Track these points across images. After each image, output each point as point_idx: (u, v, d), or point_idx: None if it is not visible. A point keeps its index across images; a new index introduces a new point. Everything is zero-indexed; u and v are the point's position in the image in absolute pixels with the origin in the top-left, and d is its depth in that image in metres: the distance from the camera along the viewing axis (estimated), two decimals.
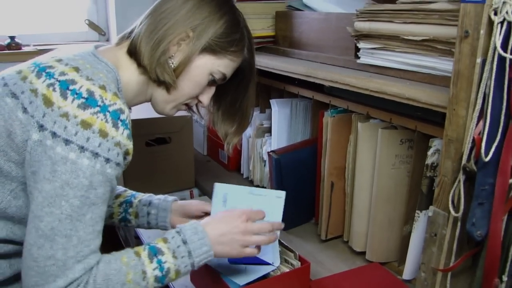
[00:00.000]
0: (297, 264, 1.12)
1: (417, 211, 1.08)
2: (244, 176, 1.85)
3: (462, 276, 0.84)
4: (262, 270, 1.09)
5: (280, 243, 1.17)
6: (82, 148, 0.80)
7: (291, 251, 1.15)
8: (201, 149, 2.14)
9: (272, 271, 1.10)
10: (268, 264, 1.12)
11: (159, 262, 0.89)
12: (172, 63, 0.96)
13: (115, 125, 0.84)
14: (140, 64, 0.97)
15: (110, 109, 0.84)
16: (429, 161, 1.02)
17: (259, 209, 1.04)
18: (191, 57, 0.97)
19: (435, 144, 1.01)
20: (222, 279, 1.06)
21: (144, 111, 1.42)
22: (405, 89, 0.96)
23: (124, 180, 1.69)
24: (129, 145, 0.87)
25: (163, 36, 0.95)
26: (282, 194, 1.11)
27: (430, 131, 1.05)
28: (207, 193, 1.77)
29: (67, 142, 0.80)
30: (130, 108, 1.02)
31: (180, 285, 1.20)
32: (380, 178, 1.18)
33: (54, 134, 0.80)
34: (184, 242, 0.92)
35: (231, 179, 1.85)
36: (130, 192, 1.22)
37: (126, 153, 0.88)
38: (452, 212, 0.78)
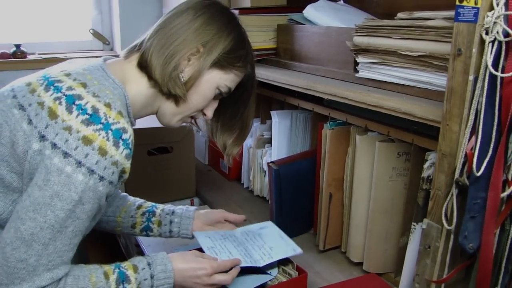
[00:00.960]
0: (294, 274, 1.13)
1: (413, 223, 1.09)
2: (245, 186, 1.87)
3: None
4: (260, 280, 1.11)
5: None
6: (79, 163, 0.82)
7: (289, 261, 1.17)
8: (202, 158, 2.16)
9: (270, 280, 1.12)
10: (266, 273, 1.13)
11: None
12: (183, 77, 0.99)
13: (116, 144, 0.86)
14: (150, 77, 0.99)
15: (113, 127, 0.86)
16: (425, 174, 1.04)
17: (230, 260, 1.07)
18: (202, 71, 1.00)
19: (431, 157, 1.03)
20: None
21: (146, 121, 1.44)
22: (402, 103, 0.99)
23: (125, 189, 1.71)
24: (126, 164, 0.89)
25: (175, 51, 0.98)
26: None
27: (426, 144, 1.07)
28: (207, 203, 1.79)
29: (66, 155, 0.82)
30: (135, 120, 1.04)
31: None
32: (377, 190, 1.20)
33: (54, 145, 0.82)
34: (151, 277, 0.96)
35: (231, 188, 1.87)
36: (150, 203, 1.26)
37: (122, 172, 0.90)
38: (445, 225, 0.80)
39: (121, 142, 0.86)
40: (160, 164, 1.76)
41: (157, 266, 0.97)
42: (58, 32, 2.33)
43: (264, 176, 1.70)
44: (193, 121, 1.17)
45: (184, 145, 1.82)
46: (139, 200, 1.26)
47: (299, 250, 1.16)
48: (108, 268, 0.93)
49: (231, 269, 1.05)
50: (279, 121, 1.57)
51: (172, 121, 1.06)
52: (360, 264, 1.30)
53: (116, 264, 0.95)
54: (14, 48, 2.08)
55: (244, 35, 1.07)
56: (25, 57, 2.10)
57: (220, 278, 1.02)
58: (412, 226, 1.10)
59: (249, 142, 1.80)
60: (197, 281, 1.00)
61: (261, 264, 1.09)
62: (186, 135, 1.81)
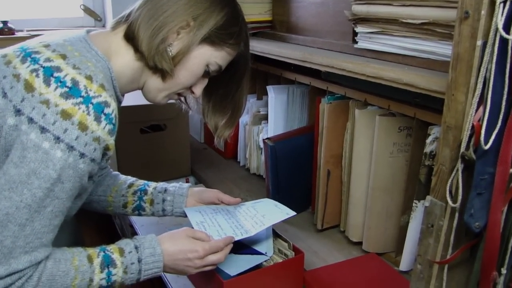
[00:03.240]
0: (291, 254, 1.09)
1: (415, 201, 1.05)
2: (241, 164, 1.82)
3: (459, 269, 0.81)
4: (255, 260, 1.07)
5: (274, 233, 1.15)
6: (57, 139, 0.77)
7: (285, 240, 1.12)
8: (197, 136, 2.11)
9: (265, 261, 1.08)
10: (261, 254, 1.09)
11: (109, 274, 0.88)
12: (170, 51, 0.93)
13: (97, 119, 0.80)
14: (137, 50, 0.93)
15: (94, 101, 0.80)
16: (427, 149, 0.99)
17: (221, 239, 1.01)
18: (191, 46, 0.94)
19: (434, 131, 0.98)
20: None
21: (138, 98, 1.39)
22: (403, 74, 0.93)
23: (118, 168, 1.66)
24: (110, 140, 0.84)
25: (163, 23, 0.92)
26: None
27: (429, 118, 1.01)
28: (203, 181, 1.75)
29: (43, 130, 0.76)
30: (122, 96, 0.98)
31: None
32: (377, 167, 1.15)
33: (30, 120, 0.77)
34: (139, 261, 0.91)
35: (227, 167, 1.83)
36: (142, 181, 1.20)
37: (105, 149, 0.85)
38: (450, 202, 0.75)
39: (103, 116, 0.81)
40: (153, 142, 1.71)
41: (145, 249, 0.92)
42: (47, 8, 2.25)
43: (261, 153, 1.65)
44: (182, 99, 1.12)
45: (178, 122, 1.76)
46: (130, 179, 1.20)
47: (292, 213, 1.11)
48: (92, 251, 0.89)
49: None
50: (275, 96, 1.51)
51: (158, 97, 1.00)
52: (359, 243, 1.25)
53: (101, 247, 0.90)
54: (1, 25, 2.00)
55: (239, 11, 1.01)
56: (13, 33, 2.02)
57: (213, 258, 0.97)
58: (414, 204, 1.05)
59: (245, 118, 1.74)
60: (188, 264, 0.95)
61: (253, 233, 1.03)
62: (180, 112, 1.74)
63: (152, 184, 1.19)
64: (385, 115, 1.12)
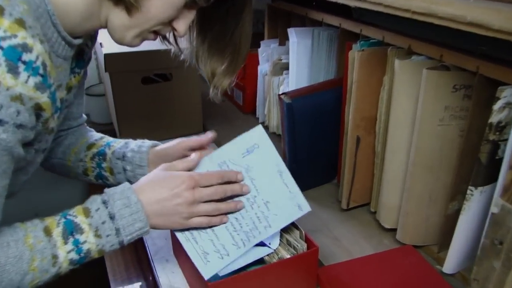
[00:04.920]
0: (301, 247, 0.84)
1: (470, 186, 0.77)
2: (260, 121, 1.56)
3: None
4: (253, 254, 0.83)
5: None
6: None
7: (297, 228, 0.87)
8: None
9: (268, 255, 0.84)
10: (263, 245, 0.85)
11: (76, 243, 0.68)
12: None
13: (13, 70, 0.56)
14: None
15: (4, 44, 0.56)
16: (494, 118, 0.70)
17: (221, 171, 0.81)
18: None
19: (506, 94, 0.68)
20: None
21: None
22: (467, 9, 0.63)
23: (118, 124, 1.45)
24: (40, 97, 0.61)
25: None
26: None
27: (499, 75, 0.71)
28: (215, 140, 1.51)
29: None
30: (81, 37, 0.74)
31: (161, 258, 0.97)
32: (421, 137, 0.86)
33: None
34: (112, 217, 0.71)
35: (244, 123, 1.57)
36: (106, 139, 0.97)
37: (37, 109, 0.61)
38: None
39: (21, 66, 0.57)
40: (158, 94, 1.47)
41: (115, 201, 0.72)
42: None
43: None
44: (171, 40, 0.87)
45: (188, 70, 1.49)
46: (93, 137, 0.97)
47: (306, 208, 0.86)
48: (51, 220, 0.69)
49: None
50: (297, 41, 1.22)
51: (126, 37, 0.74)
52: (392, 231, 1.00)
53: (62, 213, 0.71)
54: None
55: None
56: None
57: (207, 192, 0.79)
58: (469, 191, 0.77)
59: (265, 67, 1.47)
60: (178, 201, 0.76)
61: (257, 241, 0.82)
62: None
63: (113, 146, 0.94)
64: (435, 68, 0.83)
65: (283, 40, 1.44)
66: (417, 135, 0.87)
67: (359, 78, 0.96)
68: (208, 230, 0.81)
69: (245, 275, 0.79)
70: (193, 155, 0.82)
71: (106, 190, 0.74)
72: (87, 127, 1.01)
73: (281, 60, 1.41)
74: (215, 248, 0.80)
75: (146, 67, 1.42)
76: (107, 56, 1.33)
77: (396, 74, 0.89)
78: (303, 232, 0.86)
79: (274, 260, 0.83)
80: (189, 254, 0.79)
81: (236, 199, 0.82)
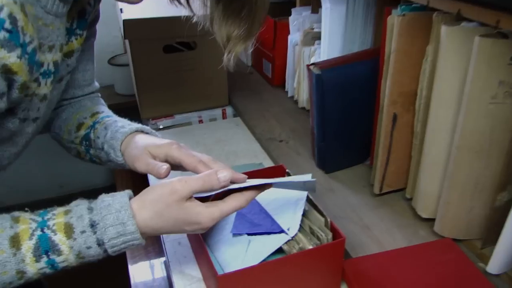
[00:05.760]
0: (325, 237, 0.75)
1: None
2: (289, 95, 1.46)
3: None
4: (270, 243, 0.75)
5: (308, 200, 0.81)
6: None
7: (321, 214, 0.78)
8: (243, 57, 1.75)
9: (286, 243, 0.75)
10: (281, 232, 0.76)
11: (52, 262, 0.58)
12: None
13: None
14: None
15: None
16: None
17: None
18: None
19: None
20: (210, 258, 0.72)
21: (158, 7, 1.07)
22: None
23: (138, 95, 1.37)
24: (8, 58, 0.51)
25: None
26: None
27: None
28: (239, 113, 1.42)
29: None
30: None
31: (173, 240, 0.90)
32: (469, 116, 0.75)
33: None
34: (99, 244, 0.60)
35: (272, 97, 1.48)
36: (96, 117, 0.83)
37: (6, 71, 0.52)
38: None
39: None
40: (181, 64, 1.38)
41: (107, 228, 0.59)
42: None
43: None
44: (182, 1, 0.79)
45: (213, 39, 1.40)
46: (88, 111, 0.84)
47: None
48: (24, 227, 0.57)
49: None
50: (331, 7, 1.10)
51: None
52: (430, 221, 0.89)
53: (40, 221, 0.59)
54: None
55: None
56: None
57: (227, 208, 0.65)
58: None
59: (295, 37, 1.36)
60: (176, 224, 0.63)
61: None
62: None
63: (97, 128, 0.80)
64: (489, 35, 0.71)
65: (316, 7, 1.32)
66: (464, 114, 0.75)
67: (399, 47, 0.84)
68: None
69: (261, 267, 0.70)
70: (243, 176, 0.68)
71: (96, 203, 0.62)
72: (98, 98, 0.92)
73: (313, 29, 1.29)
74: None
75: (168, 35, 1.34)
76: (126, 22, 1.25)
77: (442, 43, 0.77)
78: (329, 220, 0.76)
79: (294, 251, 0.74)
80: None
81: None
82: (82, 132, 0.81)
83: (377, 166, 0.95)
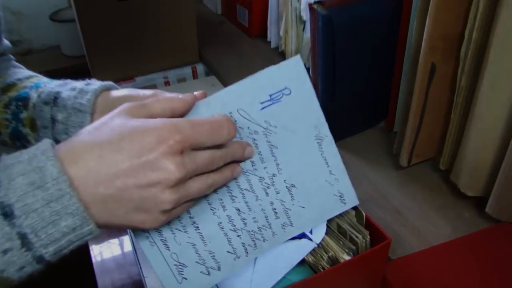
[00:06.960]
0: (362, 240, 0.54)
1: None
2: (272, 46, 1.23)
3: None
4: (288, 255, 0.54)
5: None
6: None
7: (358, 212, 0.57)
8: (212, 4, 1.49)
9: (311, 253, 0.54)
10: (304, 237, 0.55)
11: None
12: None
13: None
14: None
15: None
16: None
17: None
18: None
19: None
20: None
21: None
22: None
23: (87, 56, 1.11)
24: None
25: None
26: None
27: None
28: (214, 72, 1.19)
29: None
30: None
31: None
32: None
33: None
34: (23, 238, 0.35)
35: (252, 50, 1.24)
36: (36, 79, 0.59)
37: None
38: None
39: None
40: (139, 14, 1.12)
41: (16, 179, 0.35)
42: None
43: (303, 29, 1.05)
44: None
45: None
46: (17, 74, 0.60)
47: (352, 201, 0.53)
48: None
49: None
50: None
51: None
52: (475, 199, 0.70)
53: None
54: None
55: None
56: None
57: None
58: None
59: None
60: (152, 185, 0.37)
61: (269, 247, 0.51)
62: None
63: (44, 86, 0.57)
64: None
65: None
66: None
67: None
68: (190, 228, 0.48)
69: None
70: (186, 95, 0.45)
71: (2, 157, 0.37)
72: (14, 62, 0.65)
73: None
74: (198, 258, 0.49)
75: None
76: None
77: None
78: (363, 213, 0.56)
79: (323, 263, 0.53)
80: (154, 266, 0.48)
81: (241, 176, 0.50)
82: (13, 93, 0.56)
83: (407, 132, 0.75)
